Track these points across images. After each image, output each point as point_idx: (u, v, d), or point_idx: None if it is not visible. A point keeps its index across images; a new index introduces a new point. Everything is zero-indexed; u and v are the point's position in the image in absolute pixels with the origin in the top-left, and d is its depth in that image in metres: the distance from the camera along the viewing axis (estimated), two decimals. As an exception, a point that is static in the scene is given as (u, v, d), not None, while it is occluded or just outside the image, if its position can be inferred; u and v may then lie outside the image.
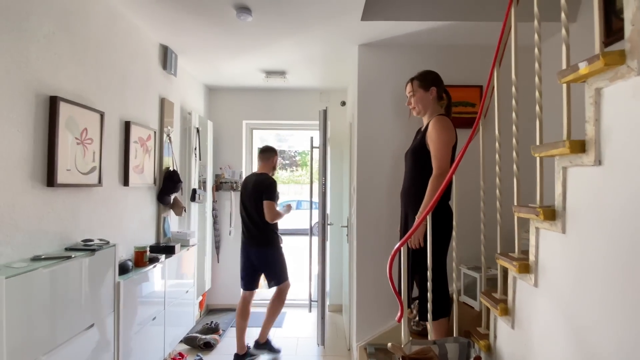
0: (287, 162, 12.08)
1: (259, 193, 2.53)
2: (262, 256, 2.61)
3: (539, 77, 1.12)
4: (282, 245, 2.71)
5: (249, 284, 2.67)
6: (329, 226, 2.72)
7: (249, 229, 2.60)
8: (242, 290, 2.71)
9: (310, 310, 2.99)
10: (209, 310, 3.61)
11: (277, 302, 2.66)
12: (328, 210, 2.68)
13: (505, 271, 1.33)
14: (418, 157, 1.84)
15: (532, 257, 1.12)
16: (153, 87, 2.46)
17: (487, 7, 2.13)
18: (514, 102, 1.24)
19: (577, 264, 0.93)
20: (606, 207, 0.84)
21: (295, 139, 9.44)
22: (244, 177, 3.74)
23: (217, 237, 3.63)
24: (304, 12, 2.06)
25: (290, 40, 2.46)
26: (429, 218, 1.55)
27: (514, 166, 1.24)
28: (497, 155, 1.37)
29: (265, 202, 2.50)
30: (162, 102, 2.57)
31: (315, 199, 2.80)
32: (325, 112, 2.66)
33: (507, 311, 1.25)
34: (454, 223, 1.65)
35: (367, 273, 2.46)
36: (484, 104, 1.45)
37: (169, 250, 2.37)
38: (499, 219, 1.37)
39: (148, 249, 2.15)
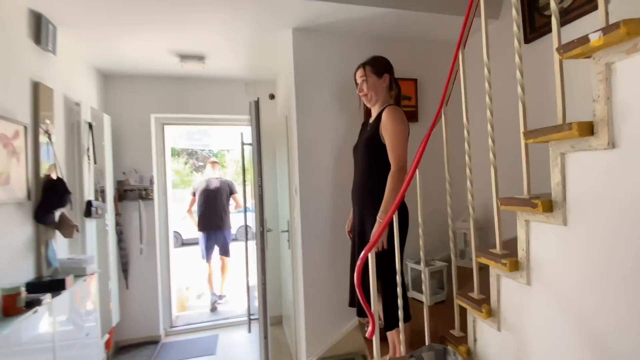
0: (202, 163, 11.03)
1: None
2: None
3: (519, 56, 1.04)
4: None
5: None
6: (267, 233, 2.40)
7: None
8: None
9: (249, 330, 2.63)
10: (119, 348, 2.94)
11: None
12: (266, 215, 2.37)
13: (481, 268, 1.24)
14: (372, 151, 1.69)
15: (521, 253, 1.04)
16: (20, 67, 1.80)
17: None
18: (487, 85, 1.16)
19: (582, 258, 0.86)
20: (621, 193, 0.76)
21: (210, 138, 8.66)
22: (155, 182, 3.15)
23: (124, 258, 2.96)
24: (232, -20, 1.71)
25: (212, 16, 2.07)
26: (394, 217, 1.39)
27: (491, 155, 1.16)
28: (465, 144, 1.28)
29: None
30: (36, 87, 1.91)
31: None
32: (257, 103, 2.34)
33: (491, 313, 1.16)
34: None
35: (314, 281, 2.24)
36: (447, 90, 1.35)
37: (56, 286, 1.77)
38: (472, 212, 1.28)
39: (24, 288, 1.55)
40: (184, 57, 2.62)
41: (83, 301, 2.06)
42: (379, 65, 1.74)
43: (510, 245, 1.15)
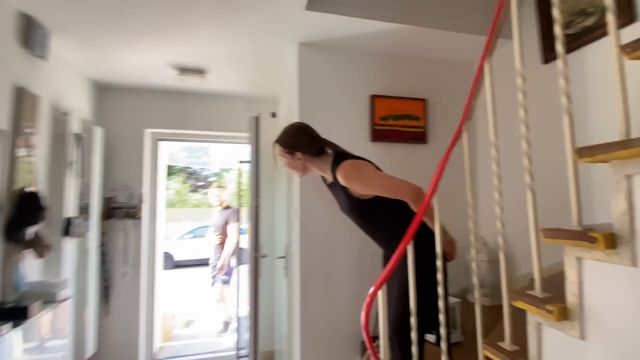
0: (202, 183, 10.84)
1: None
2: None
3: (564, 61, 0.89)
4: None
5: None
6: (262, 259, 2.20)
7: None
8: None
9: (237, 368, 2.36)
10: (92, 384, 2.64)
11: None
12: (261, 239, 2.18)
13: (516, 312, 1.04)
14: (367, 214, 1.50)
15: (572, 298, 0.84)
16: (2, 70, 1.67)
17: (438, 15, 2.01)
18: (520, 95, 1.01)
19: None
20: None
21: (210, 157, 8.55)
22: (147, 200, 2.96)
23: (105, 281, 2.73)
24: (236, -12, 1.62)
25: (213, 28, 1.97)
26: (410, 247, 1.21)
27: (527, 177, 0.99)
28: (494, 165, 1.11)
29: None
30: (19, 93, 1.77)
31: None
32: (257, 119, 2.21)
33: (530, 369, 0.95)
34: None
35: (312, 314, 2.02)
36: (470, 103, 1.21)
37: (18, 314, 1.54)
38: (502, 244, 1.10)
39: (-25, 318, 1.33)
40: (183, 70, 2.51)
41: (54, 330, 1.82)
42: (287, 145, 1.55)
43: (548, 286, 0.96)
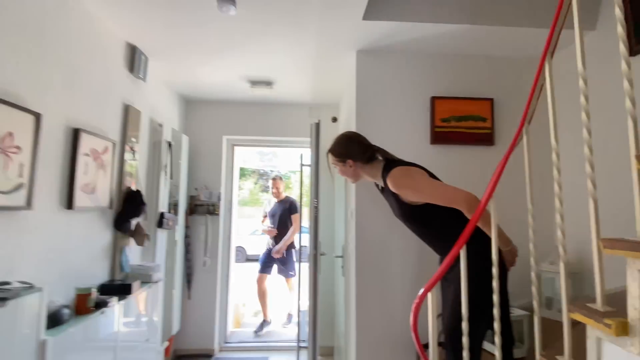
0: (269, 184, 11.69)
1: None
2: None
3: (627, 63, 0.82)
4: None
5: None
6: (321, 256, 2.32)
7: None
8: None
9: (298, 359, 2.52)
10: (177, 357, 3.06)
11: None
12: (320, 238, 2.30)
13: (574, 324, 0.98)
14: (420, 220, 1.52)
15: (633, 313, 0.78)
16: (115, 92, 2.07)
17: (502, 11, 1.91)
18: (582, 99, 0.95)
19: None
20: None
21: (279, 160, 9.08)
22: (222, 198, 3.32)
23: (189, 269, 3.13)
24: (297, 6, 1.76)
25: (280, 42, 2.16)
26: (463, 252, 1.20)
27: (589, 184, 0.92)
28: (554, 170, 1.05)
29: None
30: (127, 109, 2.18)
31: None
32: (317, 125, 2.34)
33: (590, 388, 0.89)
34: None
35: (367, 313, 2.07)
36: (530, 106, 1.15)
37: (123, 290, 1.90)
38: (563, 254, 1.04)
39: (95, 290, 1.68)
40: (254, 82, 2.78)
41: (147, 307, 2.18)
42: (339, 154, 1.62)
43: (616, 301, 0.89)
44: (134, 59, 2.19)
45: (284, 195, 3.93)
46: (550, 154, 1.07)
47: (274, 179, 4.05)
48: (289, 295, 3.92)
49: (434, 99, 2.22)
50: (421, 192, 1.42)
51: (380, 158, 1.61)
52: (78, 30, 1.70)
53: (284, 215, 3.83)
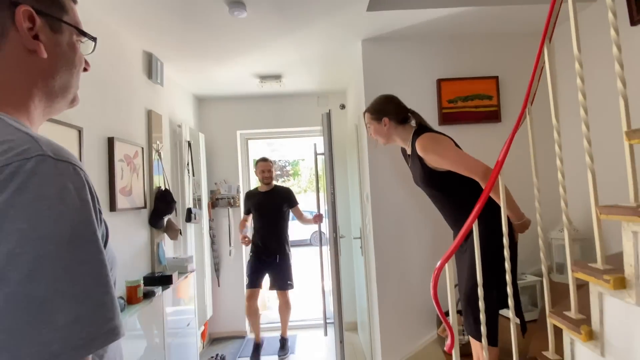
0: (278, 172, 11.81)
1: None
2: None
3: (617, 46, 0.92)
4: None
5: None
6: (340, 239, 2.47)
7: None
8: None
9: (326, 334, 2.72)
10: (212, 339, 3.30)
11: None
12: (338, 222, 2.44)
13: (582, 285, 1.11)
14: (438, 185, 1.60)
15: (629, 269, 0.90)
16: (138, 99, 2.20)
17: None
18: (579, 80, 1.04)
19: None
20: None
21: (286, 149, 9.22)
22: (241, 191, 3.47)
23: (216, 258, 3.33)
24: (305, 6, 1.85)
25: (288, 39, 2.24)
26: (475, 226, 1.32)
27: (587, 158, 1.03)
28: (556, 147, 1.16)
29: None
30: (149, 114, 2.31)
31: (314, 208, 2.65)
32: (329, 115, 2.44)
33: (592, 335, 1.02)
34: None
35: (388, 290, 2.22)
36: (531, 88, 1.24)
37: (165, 281, 2.08)
38: (566, 221, 1.15)
39: (142, 282, 1.87)
40: (264, 77, 2.88)
41: (185, 294, 2.38)
42: (375, 111, 1.67)
43: (616, 261, 1.01)
44: (151, 65, 2.31)
45: (273, 183, 3.03)
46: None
47: (262, 161, 2.98)
48: (287, 314, 3.07)
49: (439, 82, 2.30)
50: (446, 158, 1.50)
51: (413, 124, 1.69)
52: (103, 45, 1.82)
53: (276, 209, 2.96)
